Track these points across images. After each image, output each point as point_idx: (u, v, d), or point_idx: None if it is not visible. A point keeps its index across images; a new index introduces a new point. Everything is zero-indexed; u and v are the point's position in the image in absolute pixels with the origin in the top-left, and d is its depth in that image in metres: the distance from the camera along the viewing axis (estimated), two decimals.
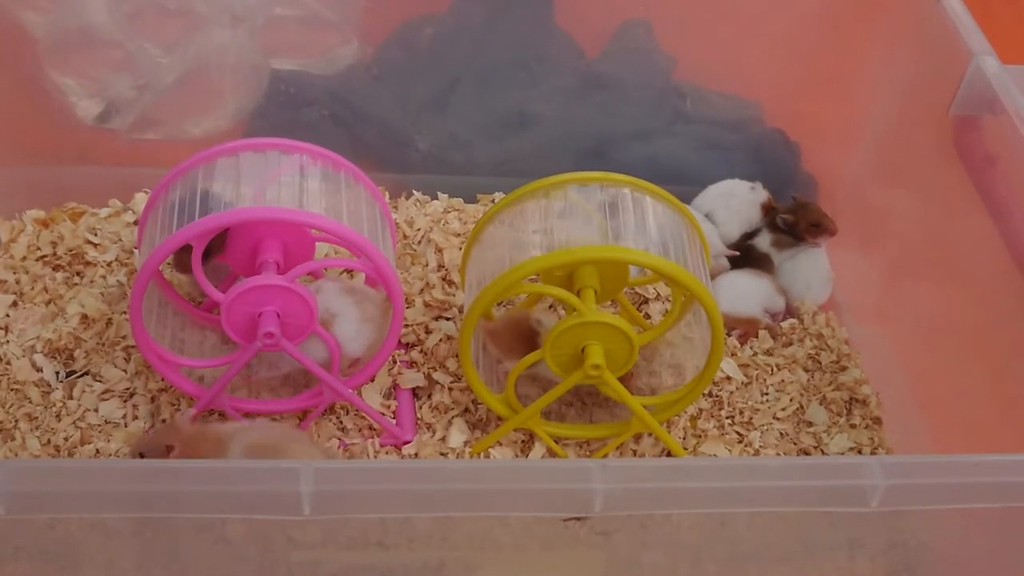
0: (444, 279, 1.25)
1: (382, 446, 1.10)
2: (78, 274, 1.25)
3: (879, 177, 1.31)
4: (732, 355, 1.21)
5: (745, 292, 1.25)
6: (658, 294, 1.25)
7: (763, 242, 1.31)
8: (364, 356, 1.08)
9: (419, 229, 1.32)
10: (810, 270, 1.30)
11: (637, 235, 1.01)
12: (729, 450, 1.12)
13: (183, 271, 1.07)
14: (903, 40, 1.23)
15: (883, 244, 1.30)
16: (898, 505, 0.79)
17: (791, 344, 1.24)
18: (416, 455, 1.10)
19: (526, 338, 1.06)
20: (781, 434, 1.15)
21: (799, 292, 1.29)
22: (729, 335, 1.22)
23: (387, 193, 1.35)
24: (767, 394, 1.19)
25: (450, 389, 1.15)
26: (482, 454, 1.09)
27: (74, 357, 1.15)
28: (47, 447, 1.07)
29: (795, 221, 1.29)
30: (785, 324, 1.26)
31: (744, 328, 1.23)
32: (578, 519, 0.82)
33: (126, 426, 1.10)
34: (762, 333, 1.24)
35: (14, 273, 1.24)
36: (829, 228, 1.29)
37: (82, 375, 1.14)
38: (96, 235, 1.29)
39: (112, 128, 1.33)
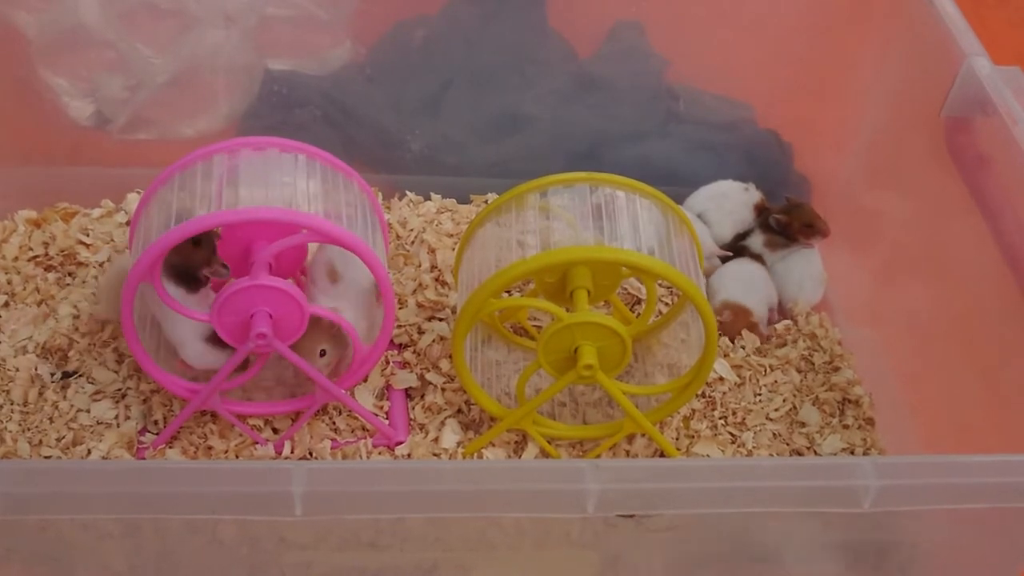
0: (437, 280, 1.25)
1: (375, 447, 1.10)
2: (70, 274, 1.25)
3: (871, 178, 1.31)
4: (725, 356, 1.21)
5: (755, 285, 1.25)
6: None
7: (756, 243, 1.31)
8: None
9: (412, 230, 1.32)
10: (803, 271, 1.30)
11: (629, 236, 1.01)
12: (722, 451, 1.12)
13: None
14: (895, 41, 1.23)
15: (876, 245, 1.31)
16: (890, 505, 0.79)
17: (784, 345, 1.24)
18: (409, 456, 1.10)
19: None
20: (774, 435, 1.15)
21: (792, 293, 1.29)
22: (719, 317, 1.22)
23: (380, 194, 1.35)
24: (760, 395, 1.19)
25: (443, 390, 1.15)
26: (475, 455, 1.09)
27: (67, 358, 1.15)
28: (39, 447, 1.07)
29: (788, 222, 1.29)
30: (779, 325, 1.26)
31: (736, 318, 1.22)
32: (630, 516, 0.82)
33: (118, 427, 1.10)
34: (750, 333, 1.24)
35: (6, 274, 1.24)
36: (822, 229, 1.29)
37: (78, 376, 1.13)
38: (88, 235, 1.28)
39: (104, 128, 1.32)
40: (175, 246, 0.96)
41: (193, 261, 0.99)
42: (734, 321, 1.23)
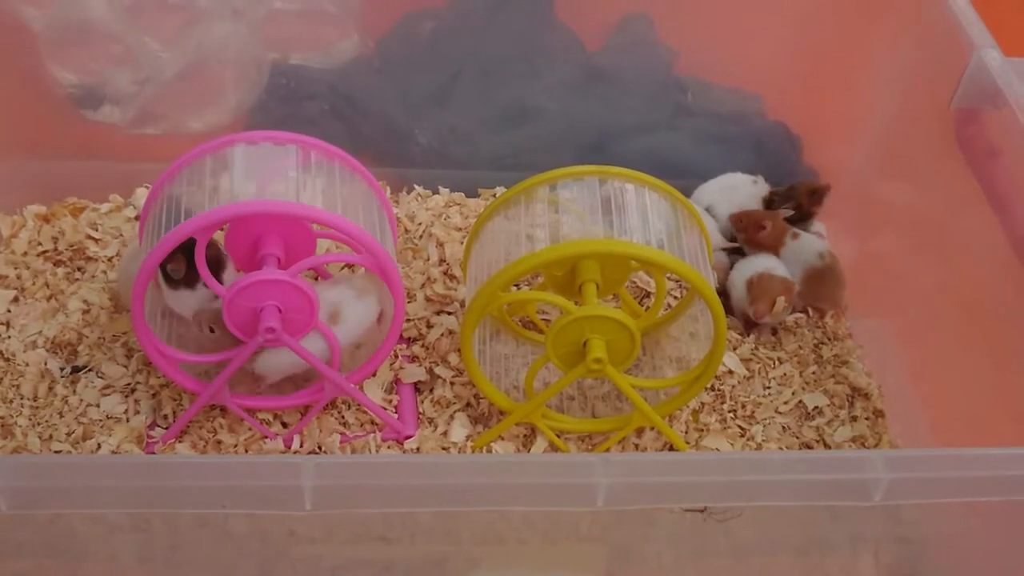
0: (445, 273, 1.25)
1: (384, 441, 1.10)
2: (79, 269, 1.25)
3: (881, 170, 1.31)
4: (734, 349, 1.21)
5: (779, 271, 1.24)
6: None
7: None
8: (373, 332, 1.08)
9: (420, 223, 1.32)
10: None
11: (638, 229, 1.00)
12: (731, 444, 1.12)
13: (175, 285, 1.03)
14: (905, 33, 1.23)
15: (885, 237, 1.30)
16: (901, 499, 0.79)
17: (793, 337, 1.24)
18: (418, 450, 1.10)
19: None
20: (783, 428, 1.15)
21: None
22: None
23: (388, 187, 1.35)
24: (769, 388, 1.18)
25: (452, 383, 1.15)
26: (484, 448, 1.09)
27: (77, 352, 1.15)
28: (49, 442, 1.07)
29: (799, 204, 1.28)
30: (789, 318, 1.25)
31: (770, 283, 1.22)
32: (700, 510, 0.81)
33: (128, 421, 1.10)
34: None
35: (15, 268, 1.24)
36: (822, 187, 1.28)
37: (87, 370, 1.14)
38: (97, 230, 1.29)
39: (112, 122, 1.32)
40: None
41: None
42: (769, 285, 1.21)
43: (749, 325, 1.23)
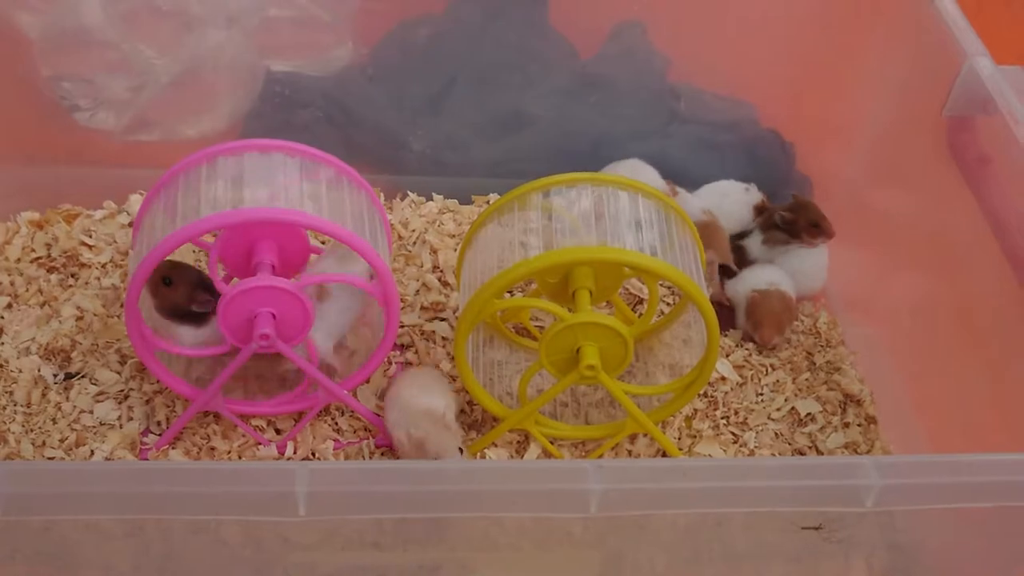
0: (440, 280, 1.25)
1: (377, 447, 1.10)
2: (73, 276, 1.25)
3: (874, 178, 1.31)
4: (727, 355, 1.21)
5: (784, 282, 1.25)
6: None
7: (754, 243, 1.30)
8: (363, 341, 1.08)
9: (414, 230, 1.32)
10: (811, 260, 1.29)
11: (631, 236, 1.01)
12: (724, 450, 1.12)
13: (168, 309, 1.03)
14: (897, 41, 1.23)
15: (878, 244, 1.31)
16: (893, 505, 0.79)
17: (787, 343, 1.24)
18: None
19: None
20: (776, 434, 1.15)
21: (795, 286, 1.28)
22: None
23: (382, 194, 1.35)
24: (762, 394, 1.19)
25: None
26: (478, 455, 1.09)
27: (70, 359, 1.15)
28: (42, 448, 1.07)
29: (794, 219, 1.28)
30: None
31: (767, 300, 1.22)
32: (816, 528, 0.82)
33: (121, 428, 1.10)
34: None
35: (9, 275, 1.24)
36: (827, 230, 1.27)
37: (81, 377, 1.14)
38: (91, 237, 1.29)
39: (107, 129, 1.32)
40: (153, 292, 0.99)
41: (177, 301, 1.00)
42: (767, 300, 1.22)
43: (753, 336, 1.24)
